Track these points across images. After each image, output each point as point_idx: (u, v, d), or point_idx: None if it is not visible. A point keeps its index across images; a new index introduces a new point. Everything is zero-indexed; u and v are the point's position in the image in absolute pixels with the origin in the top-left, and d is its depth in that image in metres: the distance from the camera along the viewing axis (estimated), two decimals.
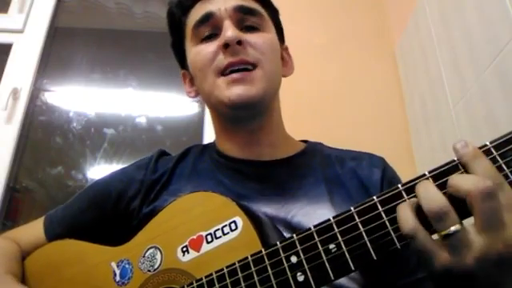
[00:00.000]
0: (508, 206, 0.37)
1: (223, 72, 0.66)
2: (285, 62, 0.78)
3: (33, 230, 0.73)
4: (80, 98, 1.75)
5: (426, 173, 0.42)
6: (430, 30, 1.37)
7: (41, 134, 1.67)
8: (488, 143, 0.40)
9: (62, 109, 1.72)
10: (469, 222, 0.39)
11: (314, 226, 0.46)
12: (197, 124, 1.60)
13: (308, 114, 1.53)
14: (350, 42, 1.72)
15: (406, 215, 0.40)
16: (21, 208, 1.54)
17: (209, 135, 1.51)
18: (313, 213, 0.63)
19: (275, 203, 0.65)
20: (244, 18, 0.70)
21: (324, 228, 0.45)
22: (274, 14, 0.78)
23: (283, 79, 0.76)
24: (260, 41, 0.69)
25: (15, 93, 1.56)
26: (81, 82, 1.77)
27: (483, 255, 0.36)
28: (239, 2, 0.71)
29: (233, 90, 0.65)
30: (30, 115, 1.62)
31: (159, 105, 1.74)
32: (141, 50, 1.83)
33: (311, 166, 0.71)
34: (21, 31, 1.70)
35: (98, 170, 1.61)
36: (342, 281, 0.59)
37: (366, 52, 1.70)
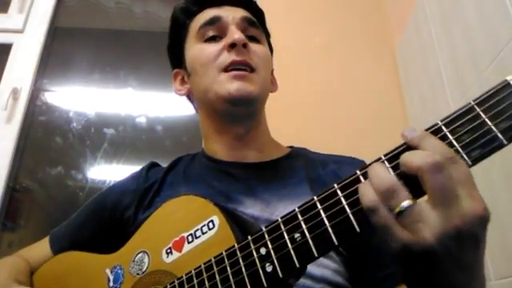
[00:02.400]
0: (461, 179, 0.37)
1: (226, 69, 0.71)
2: (271, 81, 0.84)
3: (40, 248, 0.78)
4: (80, 98, 1.74)
5: (382, 156, 0.43)
6: (430, 30, 1.37)
7: (41, 133, 1.67)
8: (439, 121, 0.41)
9: (62, 109, 1.71)
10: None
11: (281, 218, 0.47)
12: (197, 124, 1.58)
13: (308, 113, 1.53)
14: (349, 42, 1.72)
15: (366, 190, 0.40)
16: (21, 208, 1.54)
17: None
18: None
19: (261, 204, 0.68)
20: (247, 29, 0.77)
21: (289, 218, 0.46)
22: (267, 35, 0.86)
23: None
24: (260, 51, 0.76)
25: (15, 93, 1.56)
26: (81, 82, 1.77)
27: (441, 231, 0.36)
28: (245, 14, 0.78)
29: (233, 85, 0.70)
30: (30, 115, 1.62)
31: (159, 105, 1.74)
32: (141, 50, 1.83)
33: (295, 168, 0.75)
34: (21, 31, 1.70)
35: (98, 170, 1.61)
36: (327, 274, 0.61)
37: (365, 52, 1.70)
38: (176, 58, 0.84)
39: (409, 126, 1.53)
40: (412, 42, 1.53)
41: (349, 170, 0.71)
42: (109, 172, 1.61)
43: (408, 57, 1.58)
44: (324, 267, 0.61)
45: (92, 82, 1.77)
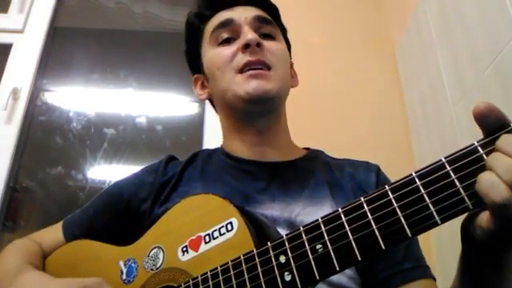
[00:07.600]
0: None
1: (241, 70, 0.71)
2: (291, 75, 0.84)
3: (53, 233, 0.77)
4: (80, 98, 1.74)
5: (442, 158, 0.40)
6: (430, 30, 1.37)
7: (41, 133, 1.67)
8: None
9: (62, 109, 1.71)
10: None
11: (303, 226, 0.46)
12: (197, 124, 1.59)
13: (308, 114, 1.53)
14: (349, 41, 1.72)
15: (496, 181, 0.37)
16: (21, 208, 1.54)
17: (209, 135, 1.51)
18: (315, 213, 0.65)
19: (280, 204, 0.67)
20: (261, 27, 0.77)
21: (312, 227, 0.45)
22: (283, 31, 0.85)
23: None
24: (275, 47, 0.76)
25: (15, 93, 1.56)
26: (81, 82, 1.77)
27: None
28: (258, 13, 0.78)
29: (250, 84, 0.70)
30: (30, 115, 1.62)
31: (159, 105, 1.74)
32: (141, 50, 1.83)
33: (313, 170, 0.75)
34: (21, 31, 1.70)
35: (98, 170, 1.61)
36: (343, 281, 0.61)
37: (365, 52, 1.70)
38: (194, 64, 0.84)
39: (408, 126, 1.54)
40: (412, 42, 1.53)
41: (364, 174, 0.73)
42: (109, 172, 1.61)
43: (408, 57, 1.58)
44: (340, 273, 0.61)
45: (92, 81, 1.77)
